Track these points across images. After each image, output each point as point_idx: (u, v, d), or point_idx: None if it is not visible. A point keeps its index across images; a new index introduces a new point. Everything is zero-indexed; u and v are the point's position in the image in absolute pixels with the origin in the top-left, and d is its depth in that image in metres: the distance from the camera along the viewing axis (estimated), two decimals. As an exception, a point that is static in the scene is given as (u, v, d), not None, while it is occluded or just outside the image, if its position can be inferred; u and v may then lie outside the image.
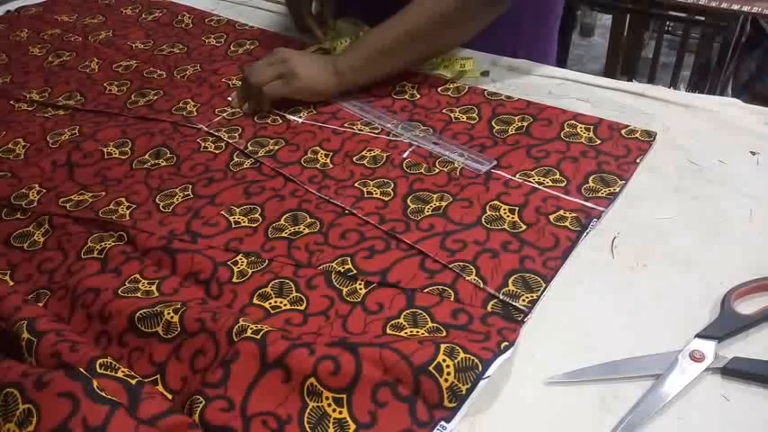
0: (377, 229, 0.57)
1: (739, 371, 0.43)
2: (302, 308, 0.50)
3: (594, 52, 2.93)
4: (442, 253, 0.53)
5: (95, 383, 0.38)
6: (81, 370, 0.39)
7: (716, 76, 1.79)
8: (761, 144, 0.64)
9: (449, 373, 0.42)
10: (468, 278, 0.51)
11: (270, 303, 0.50)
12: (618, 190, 0.59)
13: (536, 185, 0.60)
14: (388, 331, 0.47)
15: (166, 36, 0.98)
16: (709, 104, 0.70)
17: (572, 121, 0.69)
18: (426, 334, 0.46)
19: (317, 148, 0.69)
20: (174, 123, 0.75)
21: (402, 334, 0.47)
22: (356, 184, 0.63)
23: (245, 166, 0.67)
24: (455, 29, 0.74)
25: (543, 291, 0.50)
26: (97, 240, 0.57)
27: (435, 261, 0.53)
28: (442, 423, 0.41)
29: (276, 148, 0.69)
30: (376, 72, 0.76)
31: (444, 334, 0.46)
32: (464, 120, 0.71)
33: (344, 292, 0.51)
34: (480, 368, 0.42)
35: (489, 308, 0.49)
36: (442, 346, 0.43)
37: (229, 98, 0.78)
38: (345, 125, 0.72)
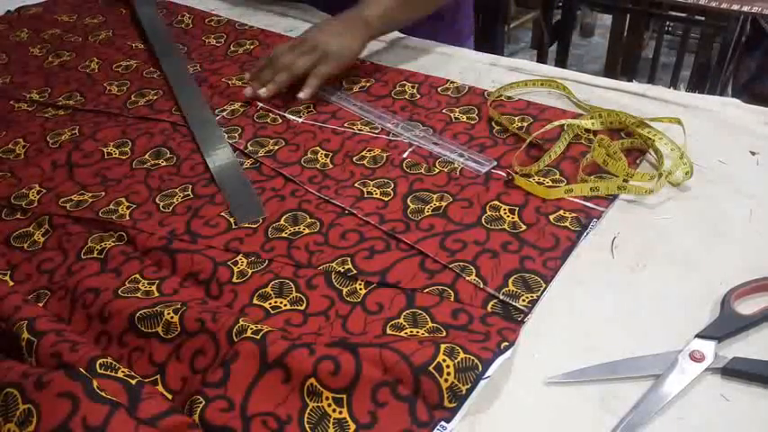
0: (377, 230, 0.57)
1: (739, 371, 0.43)
2: (302, 308, 0.50)
3: (594, 52, 2.94)
4: (441, 253, 0.53)
5: (95, 383, 0.38)
6: (81, 370, 0.39)
7: (716, 76, 1.79)
8: (761, 144, 0.64)
9: (449, 374, 0.42)
10: (468, 278, 0.51)
11: (270, 303, 0.50)
12: (618, 190, 0.59)
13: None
14: (388, 331, 0.47)
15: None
16: (709, 104, 0.70)
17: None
18: (426, 334, 0.46)
19: (317, 148, 0.68)
20: (174, 123, 0.75)
21: (402, 334, 0.47)
22: (356, 185, 0.63)
23: (245, 166, 0.67)
24: None
25: (543, 291, 0.50)
26: (97, 240, 0.57)
27: (435, 261, 0.53)
28: (442, 423, 0.41)
29: (276, 148, 0.69)
30: (399, 19, 0.84)
31: (444, 334, 0.46)
32: (464, 120, 0.71)
33: (344, 293, 0.51)
34: (480, 368, 0.42)
35: (489, 308, 0.49)
36: (442, 346, 0.43)
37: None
38: (345, 125, 0.72)
